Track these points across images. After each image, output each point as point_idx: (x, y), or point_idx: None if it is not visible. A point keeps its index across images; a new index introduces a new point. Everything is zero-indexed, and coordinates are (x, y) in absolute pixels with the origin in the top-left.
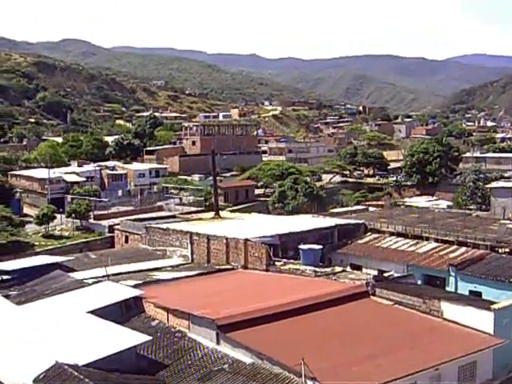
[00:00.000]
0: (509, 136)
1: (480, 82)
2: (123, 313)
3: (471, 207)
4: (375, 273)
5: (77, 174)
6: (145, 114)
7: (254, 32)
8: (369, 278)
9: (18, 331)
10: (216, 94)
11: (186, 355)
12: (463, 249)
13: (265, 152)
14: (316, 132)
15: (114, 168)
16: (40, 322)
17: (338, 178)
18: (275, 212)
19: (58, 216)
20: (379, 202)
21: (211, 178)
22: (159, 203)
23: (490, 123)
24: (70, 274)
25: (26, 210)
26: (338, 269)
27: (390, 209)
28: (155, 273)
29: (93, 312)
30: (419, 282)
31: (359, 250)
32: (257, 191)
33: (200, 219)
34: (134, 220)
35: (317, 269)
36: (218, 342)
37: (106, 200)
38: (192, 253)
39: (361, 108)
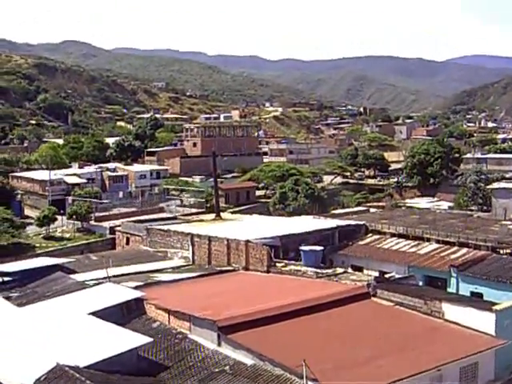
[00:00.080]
0: (510, 137)
1: (481, 83)
2: (124, 314)
3: (472, 208)
4: (376, 274)
5: (78, 175)
6: (146, 115)
7: (255, 33)
8: (370, 280)
9: (19, 333)
10: (217, 96)
11: (187, 357)
12: (464, 250)
13: (266, 153)
14: (317, 133)
15: (114, 170)
16: (41, 323)
17: (338, 180)
18: (276, 213)
19: (59, 218)
20: (380, 203)
21: (212, 179)
22: (162, 204)
23: (490, 124)
24: (71, 276)
25: (27, 211)
26: (339, 270)
27: (391, 210)
28: (156, 274)
29: (94, 314)
30: (420, 283)
31: (360, 251)
32: (258, 192)
33: (201, 221)
34: (135, 221)
35: (318, 270)
36: (219, 344)
37: (106, 202)
38: (193, 254)
39: (361, 109)
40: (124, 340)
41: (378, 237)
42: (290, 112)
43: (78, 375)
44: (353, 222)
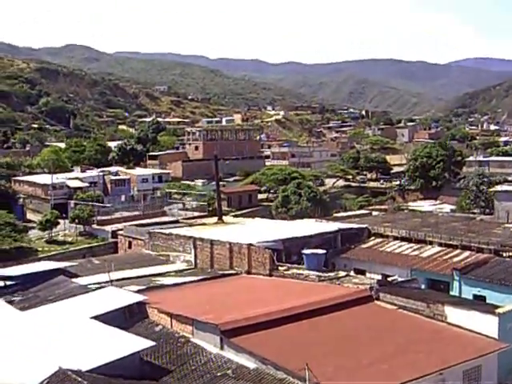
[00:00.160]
0: None
1: (483, 86)
2: (127, 318)
3: (475, 211)
4: (379, 277)
5: (80, 179)
6: (148, 119)
7: (257, 37)
8: (372, 283)
9: (22, 337)
10: (219, 99)
11: (189, 360)
12: (467, 253)
13: (268, 157)
14: (319, 136)
15: (117, 173)
16: (43, 327)
17: (341, 183)
18: (278, 217)
19: (62, 222)
20: (382, 207)
21: (214, 182)
22: (166, 208)
23: (493, 127)
24: (74, 280)
25: (30, 215)
26: (341, 273)
27: (394, 213)
28: (159, 278)
29: (96, 317)
30: (423, 287)
31: (363, 254)
32: (260, 196)
33: (203, 224)
34: (138, 225)
35: (320, 273)
36: (221, 348)
37: (109, 205)
38: (195, 258)
39: (363, 112)
40: (126, 344)
41: (381, 240)
42: (291, 115)
43: (80, 379)
44: (355, 226)
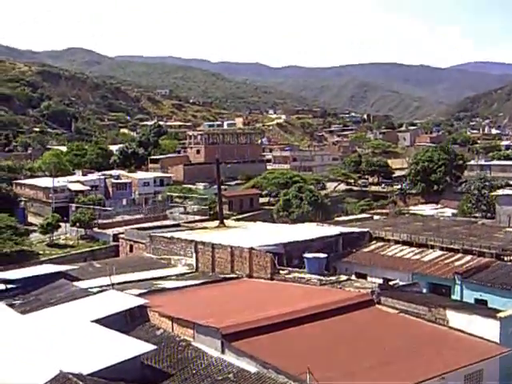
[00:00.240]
0: None
1: (484, 90)
2: (128, 322)
3: (476, 215)
4: (380, 281)
5: (81, 182)
6: (149, 122)
7: (258, 40)
8: (374, 287)
9: (23, 340)
10: (220, 103)
11: (190, 364)
12: (468, 257)
13: (269, 160)
14: (320, 140)
15: (118, 177)
16: (44, 331)
17: (342, 187)
18: (280, 220)
19: (63, 225)
20: (384, 211)
21: (216, 186)
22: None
23: (494, 131)
24: (75, 283)
25: (31, 218)
26: (343, 277)
27: (395, 217)
28: (160, 282)
29: (97, 321)
30: (424, 291)
31: (364, 258)
32: (261, 200)
33: (205, 228)
34: (139, 229)
35: (322, 277)
36: (222, 351)
37: (110, 209)
38: (197, 261)
39: (365, 116)
40: (127, 347)
41: (382, 244)
42: (293, 119)
43: (81, 383)
44: (356, 229)
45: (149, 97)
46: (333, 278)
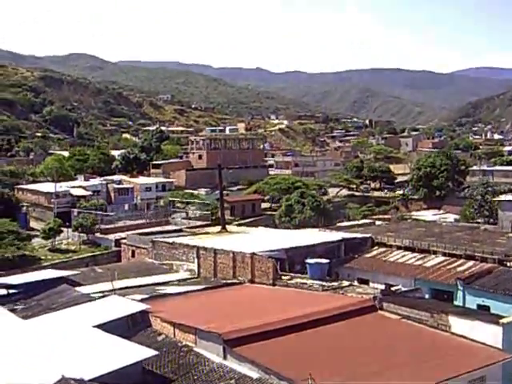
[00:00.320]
0: None
1: (486, 95)
2: (130, 327)
3: (479, 221)
4: (382, 287)
5: (83, 188)
6: (151, 128)
7: (260, 46)
8: (376, 292)
9: (25, 345)
10: (222, 108)
11: (192, 370)
12: (471, 262)
13: (271, 166)
14: (322, 146)
15: (120, 182)
16: (46, 336)
17: (344, 192)
18: (282, 226)
19: (65, 230)
20: (386, 216)
21: (218, 191)
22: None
23: (496, 136)
24: (77, 288)
25: (33, 223)
26: (345, 283)
27: (397, 222)
28: (162, 287)
29: (99, 326)
30: (427, 296)
31: (366, 264)
32: (263, 205)
33: (207, 233)
34: (141, 234)
35: (324, 283)
36: (224, 357)
37: (112, 214)
38: (199, 267)
39: (367, 121)
40: (129, 353)
41: (384, 249)
42: (295, 124)
43: None
44: (359, 235)
45: (151, 102)
46: (335, 283)
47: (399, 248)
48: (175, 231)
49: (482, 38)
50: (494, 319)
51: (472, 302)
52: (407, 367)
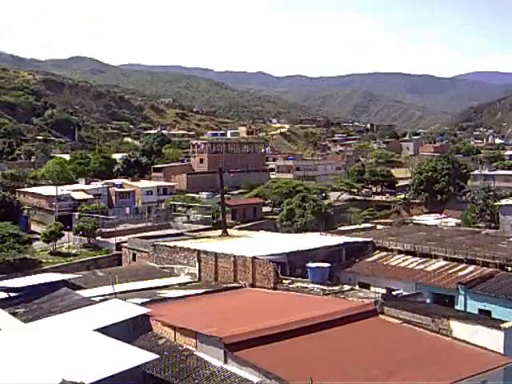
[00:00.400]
0: None
1: (488, 100)
2: (130, 331)
3: (480, 225)
4: (383, 291)
5: (84, 191)
6: (152, 131)
7: (262, 50)
8: (377, 297)
9: (25, 349)
10: (224, 112)
11: (192, 374)
12: (472, 267)
13: (272, 170)
14: (324, 150)
15: (121, 185)
16: (47, 339)
17: (345, 196)
18: (283, 230)
19: (66, 233)
20: (387, 220)
21: (219, 195)
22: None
23: (498, 141)
24: (77, 292)
25: (34, 227)
26: (346, 287)
27: (399, 227)
28: (163, 291)
29: (100, 330)
30: (428, 301)
31: (367, 268)
32: (264, 209)
33: (208, 237)
34: (142, 238)
35: (325, 287)
36: (225, 361)
37: (113, 217)
38: (199, 271)
39: (368, 126)
40: (130, 357)
41: (385, 254)
42: (296, 128)
43: None
44: (360, 239)
45: (152, 105)
46: (336, 287)
47: (400, 252)
48: (176, 235)
49: (484, 42)
50: (496, 324)
51: (473, 307)
52: (408, 372)
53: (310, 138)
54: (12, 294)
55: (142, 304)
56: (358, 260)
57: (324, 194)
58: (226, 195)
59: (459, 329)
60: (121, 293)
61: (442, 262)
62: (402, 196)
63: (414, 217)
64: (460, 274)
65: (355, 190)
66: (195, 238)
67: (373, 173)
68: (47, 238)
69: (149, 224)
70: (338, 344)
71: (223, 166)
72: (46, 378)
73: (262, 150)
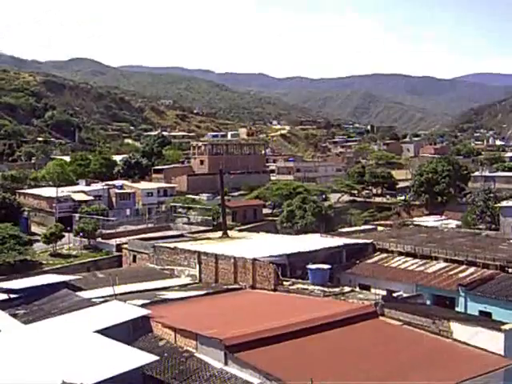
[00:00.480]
0: None
1: (488, 101)
2: (130, 332)
3: (480, 227)
4: (384, 293)
5: (85, 192)
6: (153, 133)
7: (262, 51)
8: (377, 298)
9: (25, 350)
10: (224, 114)
11: (193, 376)
12: (473, 269)
13: (273, 171)
14: (324, 151)
15: (121, 187)
16: (47, 341)
17: (346, 198)
18: (283, 231)
19: (66, 235)
20: (388, 222)
21: (219, 197)
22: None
23: (498, 142)
24: (78, 293)
25: (34, 228)
26: (346, 289)
27: (399, 228)
28: (163, 292)
29: (100, 331)
30: (428, 303)
31: (368, 269)
32: (265, 210)
33: (208, 238)
34: (142, 239)
35: (325, 289)
36: (225, 363)
37: (113, 219)
38: (200, 272)
39: (369, 127)
40: (130, 358)
41: (386, 255)
42: (297, 130)
43: None
44: (360, 241)
45: (153, 107)
46: (336, 289)
47: (401, 254)
48: (177, 236)
49: (484, 44)
50: (496, 326)
51: (474, 309)
52: (409, 374)
53: (310, 140)
54: (12, 296)
55: (143, 305)
56: (358, 262)
57: (324, 196)
58: (226, 197)
59: (460, 330)
60: (121, 294)
61: (443, 264)
62: (403, 197)
63: (415, 218)
64: (460, 275)
65: (355, 192)
66: (195, 239)
67: (373, 174)
68: (47, 240)
69: (149, 225)
70: (338, 345)
71: (223, 167)
72: (46, 380)
73: (263, 152)
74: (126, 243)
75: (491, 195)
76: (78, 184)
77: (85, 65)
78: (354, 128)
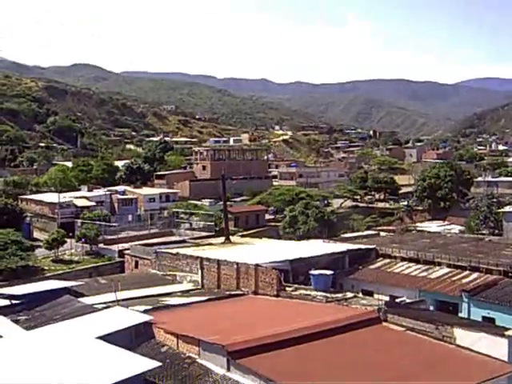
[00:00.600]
0: None
1: (491, 106)
2: (133, 339)
3: (484, 232)
4: (387, 298)
5: (87, 198)
6: (155, 138)
7: (264, 57)
8: (380, 304)
9: (27, 356)
10: (226, 119)
11: (195, 382)
12: (476, 274)
13: (275, 177)
14: (326, 156)
15: (124, 193)
16: (49, 347)
17: (348, 203)
18: (286, 237)
19: (68, 240)
20: (390, 227)
21: (221, 202)
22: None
23: (501, 147)
24: (80, 299)
25: (36, 234)
26: (349, 294)
27: (402, 234)
28: (165, 298)
29: (102, 337)
30: (431, 308)
31: (370, 275)
32: (267, 216)
33: (210, 244)
34: (144, 245)
35: (328, 294)
36: (228, 369)
37: (115, 225)
38: (202, 278)
39: (371, 132)
40: (132, 364)
41: (389, 261)
42: (299, 135)
43: None
44: (363, 246)
45: (155, 112)
46: (339, 295)
47: (404, 259)
48: (179, 242)
49: (487, 49)
50: (500, 331)
51: (477, 314)
52: (412, 380)
53: (312, 145)
54: (14, 302)
55: (145, 311)
56: (361, 267)
57: (326, 201)
58: (228, 202)
59: (463, 336)
60: (123, 300)
61: (446, 269)
62: (405, 203)
63: (418, 224)
64: (464, 281)
65: (358, 197)
66: (198, 245)
67: (376, 180)
68: (49, 245)
69: (151, 231)
70: (340, 351)
71: (226, 172)
72: None
73: (265, 157)
74: (128, 249)
75: (494, 200)
76: (80, 190)
77: (87, 70)
78: (357, 133)
